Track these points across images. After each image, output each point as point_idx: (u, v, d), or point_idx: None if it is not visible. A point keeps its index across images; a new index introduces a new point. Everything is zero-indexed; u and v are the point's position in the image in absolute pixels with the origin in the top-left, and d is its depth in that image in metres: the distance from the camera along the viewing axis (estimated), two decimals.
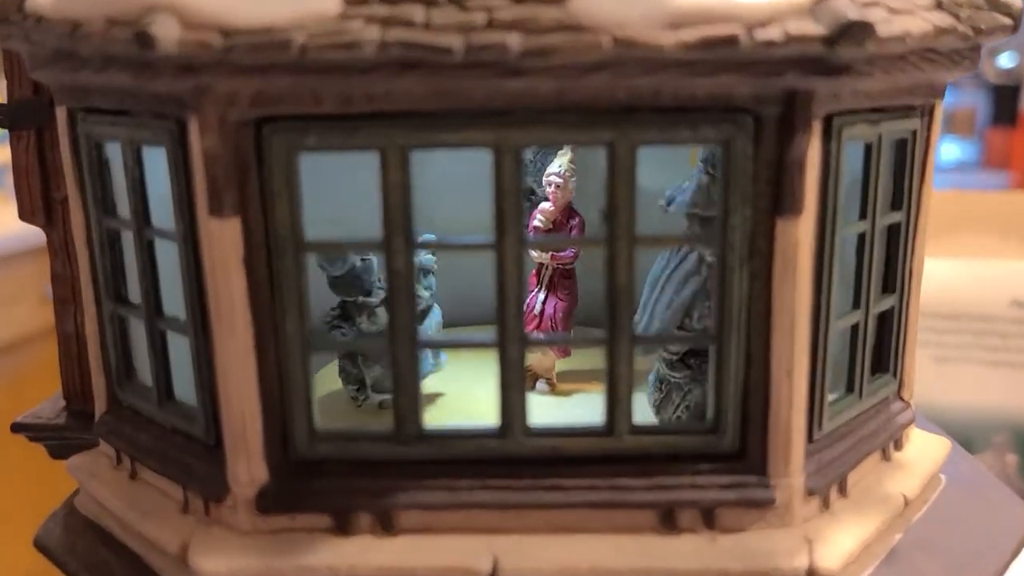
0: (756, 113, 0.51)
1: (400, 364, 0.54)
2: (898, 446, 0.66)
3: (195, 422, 0.58)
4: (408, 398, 0.55)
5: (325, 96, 0.50)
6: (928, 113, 0.62)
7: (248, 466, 0.55)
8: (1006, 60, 3.40)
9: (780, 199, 0.52)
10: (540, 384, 0.79)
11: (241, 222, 0.52)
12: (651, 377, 0.68)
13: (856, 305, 0.61)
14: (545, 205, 0.77)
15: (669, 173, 0.70)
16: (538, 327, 0.78)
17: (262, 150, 0.51)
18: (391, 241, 0.52)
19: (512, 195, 0.51)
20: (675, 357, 0.66)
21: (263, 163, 0.51)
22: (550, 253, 0.78)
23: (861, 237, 0.60)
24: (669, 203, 0.63)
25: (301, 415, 0.55)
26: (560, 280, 0.79)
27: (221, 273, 0.52)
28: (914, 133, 0.61)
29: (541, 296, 0.79)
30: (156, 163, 0.56)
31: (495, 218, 0.52)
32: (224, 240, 0.52)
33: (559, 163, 0.77)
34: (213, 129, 0.50)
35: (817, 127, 0.52)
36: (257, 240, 0.52)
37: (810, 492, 0.56)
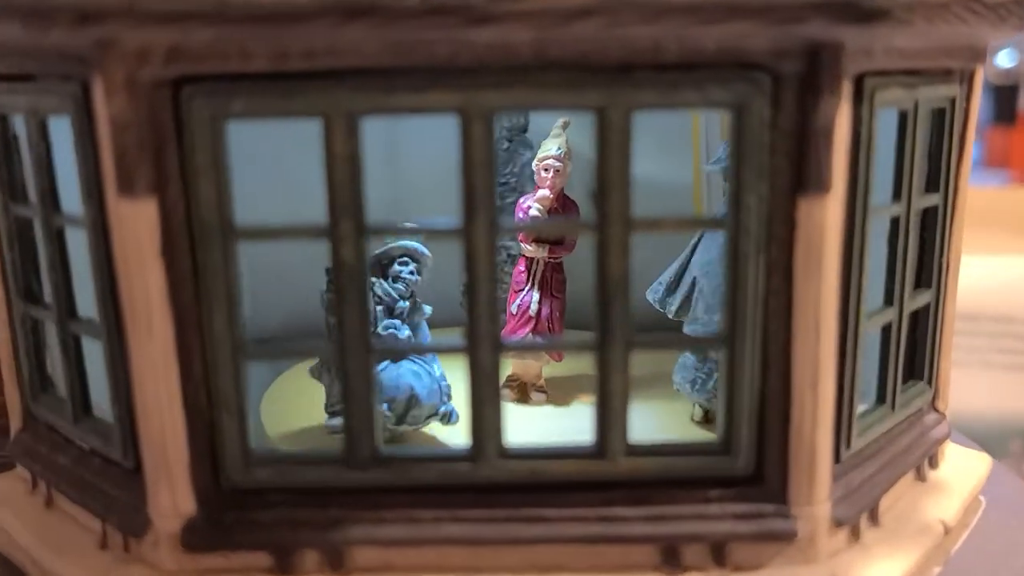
0: (774, 71, 0.44)
1: (351, 375, 0.46)
2: (933, 464, 0.59)
3: (111, 441, 0.49)
4: (360, 415, 0.46)
5: (256, 51, 0.42)
6: (968, 80, 0.55)
7: (171, 494, 0.47)
8: (1005, 60, 3.35)
9: (803, 175, 0.45)
10: (536, 395, 0.72)
11: (157, 204, 0.44)
12: (689, 360, 0.62)
13: (888, 302, 0.53)
14: (543, 192, 0.69)
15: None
16: (534, 330, 0.71)
17: (181, 117, 0.43)
18: (337, 226, 0.44)
19: (482, 169, 0.43)
20: None
21: (183, 132, 0.44)
22: (548, 247, 0.70)
23: (894, 222, 0.52)
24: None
25: (233, 434, 0.47)
26: (553, 275, 0.72)
27: (135, 264, 0.45)
28: (953, 102, 0.53)
29: (535, 295, 0.72)
30: (66, 137, 0.47)
31: (463, 197, 0.44)
32: (137, 225, 0.44)
33: (556, 144, 0.70)
34: (121, 91, 0.43)
35: (847, 88, 0.44)
36: (177, 225, 0.44)
37: (837, 522, 0.49)
